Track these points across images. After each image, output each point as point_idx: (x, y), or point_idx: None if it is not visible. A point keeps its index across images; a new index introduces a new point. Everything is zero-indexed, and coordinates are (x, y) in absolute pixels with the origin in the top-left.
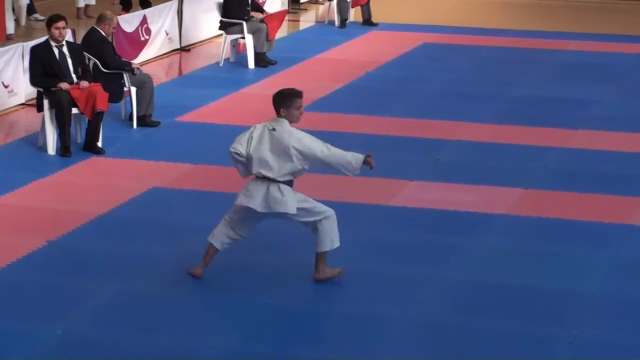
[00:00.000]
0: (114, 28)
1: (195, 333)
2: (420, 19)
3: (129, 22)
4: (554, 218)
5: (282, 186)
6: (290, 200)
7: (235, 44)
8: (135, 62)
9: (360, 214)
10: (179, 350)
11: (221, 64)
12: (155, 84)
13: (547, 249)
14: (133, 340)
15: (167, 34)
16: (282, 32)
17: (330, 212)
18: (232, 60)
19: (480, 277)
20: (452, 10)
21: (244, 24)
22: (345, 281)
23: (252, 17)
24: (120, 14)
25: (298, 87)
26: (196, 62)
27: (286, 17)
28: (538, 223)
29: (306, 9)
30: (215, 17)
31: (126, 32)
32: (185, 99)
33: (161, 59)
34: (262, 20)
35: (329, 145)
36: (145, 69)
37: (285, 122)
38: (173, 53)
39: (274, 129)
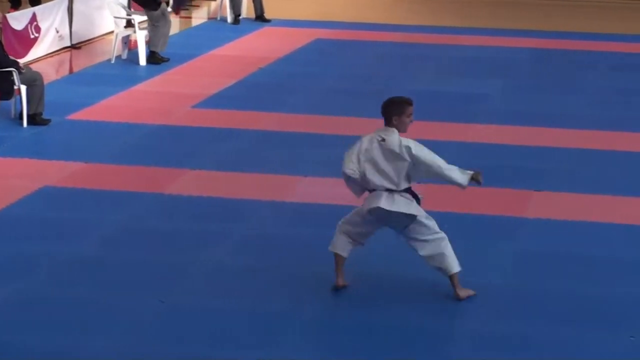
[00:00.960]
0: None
1: (89, 333)
2: (313, 15)
3: (18, 19)
4: (449, 212)
5: (404, 194)
6: (416, 205)
7: (126, 41)
8: (25, 60)
9: (255, 211)
10: (70, 351)
11: (112, 61)
12: (45, 82)
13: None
14: (26, 341)
15: (57, 32)
16: (174, 29)
17: (443, 234)
18: (123, 57)
19: (379, 271)
20: (345, 5)
21: (135, 20)
22: (238, 278)
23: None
24: (8, 12)
25: (191, 84)
26: (87, 60)
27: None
28: (434, 217)
29: (198, 6)
30: (106, 14)
31: (15, 30)
32: (77, 96)
33: (51, 56)
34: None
35: (438, 158)
36: (35, 67)
37: (394, 131)
38: (63, 51)
39: (383, 140)
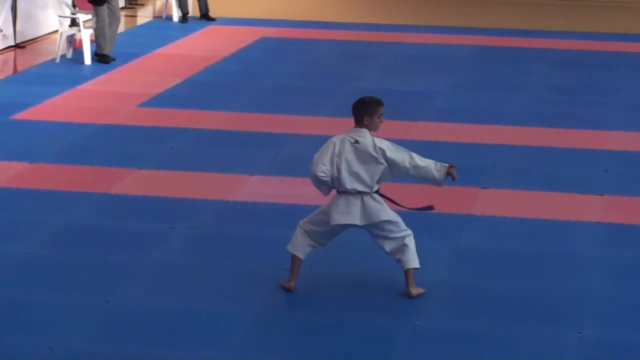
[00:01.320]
0: None
1: (33, 333)
2: (259, 13)
3: None
4: (395, 210)
5: (375, 196)
6: (387, 208)
7: (71, 40)
8: None
9: (201, 210)
10: (14, 351)
11: (57, 61)
12: None
13: None
14: None
15: (1, 31)
16: (120, 28)
17: (410, 230)
18: (68, 56)
19: (325, 270)
20: (290, 4)
21: (80, 18)
22: (184, 278)
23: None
24: None
25: (136, 83)
26: (32, 59)
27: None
28: None
29: (143, 4)
30: (51, 13)
31: None
32: (21, 96)
33: None
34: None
35: (413, 155)
36: None
37: (366, 132)
38: (7, 50)
39: (357, 142)
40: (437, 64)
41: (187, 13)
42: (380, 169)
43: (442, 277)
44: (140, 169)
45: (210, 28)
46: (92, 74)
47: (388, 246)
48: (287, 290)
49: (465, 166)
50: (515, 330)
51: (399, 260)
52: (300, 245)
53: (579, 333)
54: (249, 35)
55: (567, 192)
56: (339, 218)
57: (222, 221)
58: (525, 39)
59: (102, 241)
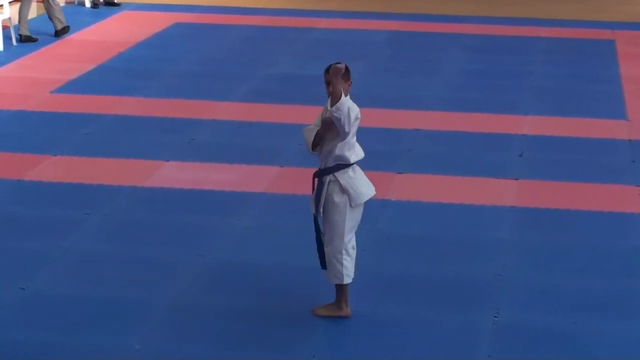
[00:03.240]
0: None
1: None
2: None
3: None
4: (307, 195)
5: None
6: None
7: None
8: None
9: (115, 196)
10: None
11: None
12: None
13: (302, 226)
14: None
15: None
16: (31, 14)
17: None
18: None
19: (239, 257)
20: None
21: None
22: (99, 264)
23: None
24: None
25: (49, 69)
26: None
27: None
28: (295, 200)
29: None
30: None
31: None
32: None
33: None
34: None
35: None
36: None
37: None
38: None
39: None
40: (351, 49)
41: None
42: None
43: (358, 263)
44: (55, 156)
45: (123, 14)
46: (3, 60)
47: None
48: (345, 317)
49: (381, 151)
50: (431, 315)
51: None
52: (352, 269)
53: (495, 317)
54: (162, 21)
55: (482, 177)
56: (367, 187)
57: (137, 207)
58: (438, 24)
59: (16, 228)
